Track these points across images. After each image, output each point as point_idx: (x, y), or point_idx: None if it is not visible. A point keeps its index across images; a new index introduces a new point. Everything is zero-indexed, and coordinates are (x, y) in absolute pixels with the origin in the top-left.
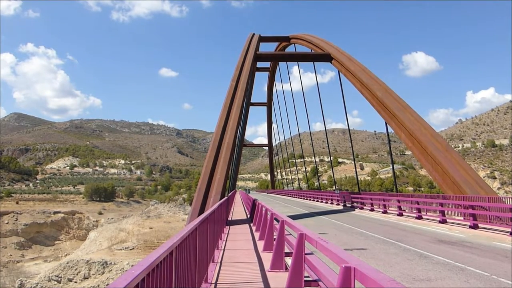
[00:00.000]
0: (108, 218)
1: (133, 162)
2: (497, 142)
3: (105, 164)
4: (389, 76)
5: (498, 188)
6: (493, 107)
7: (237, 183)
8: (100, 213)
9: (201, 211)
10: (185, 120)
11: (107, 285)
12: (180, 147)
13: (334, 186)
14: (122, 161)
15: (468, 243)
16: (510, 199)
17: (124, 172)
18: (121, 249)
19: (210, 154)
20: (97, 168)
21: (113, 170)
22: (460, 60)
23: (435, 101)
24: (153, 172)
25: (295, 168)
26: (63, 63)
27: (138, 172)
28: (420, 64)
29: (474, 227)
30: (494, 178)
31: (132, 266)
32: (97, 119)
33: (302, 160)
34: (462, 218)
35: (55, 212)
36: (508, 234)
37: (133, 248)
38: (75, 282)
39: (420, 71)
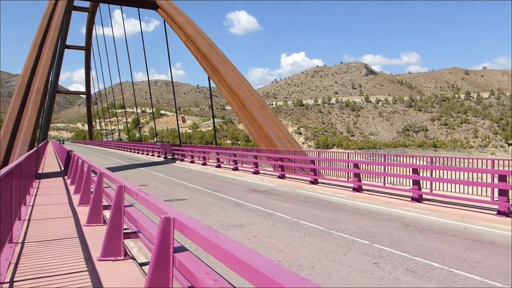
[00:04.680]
0: None
1: None
2: (304, 102)
3: None
4: (213, 31)
5: (303, 143)
6: (303, 70)
7: (49, 133)
8: None
9: (4, 163)
10: None
11: None
12: None
13: (155, 138)
14: None
15: (276, 191)
16: (312, 152)
17: None
18: None
19: (15, 99)
20: None
21: None
22: (278, 24)
23: (254, 60)
24: None
25: (115, 118)
26: None
27: None
28: (243, 23)
29: (282, 177)
30: (300, 133)
31: None
32: None
33: (123, 110)
34: (272, 169)
35: None
36: (308, 182)
37: None
38: None
39: (242, 30)
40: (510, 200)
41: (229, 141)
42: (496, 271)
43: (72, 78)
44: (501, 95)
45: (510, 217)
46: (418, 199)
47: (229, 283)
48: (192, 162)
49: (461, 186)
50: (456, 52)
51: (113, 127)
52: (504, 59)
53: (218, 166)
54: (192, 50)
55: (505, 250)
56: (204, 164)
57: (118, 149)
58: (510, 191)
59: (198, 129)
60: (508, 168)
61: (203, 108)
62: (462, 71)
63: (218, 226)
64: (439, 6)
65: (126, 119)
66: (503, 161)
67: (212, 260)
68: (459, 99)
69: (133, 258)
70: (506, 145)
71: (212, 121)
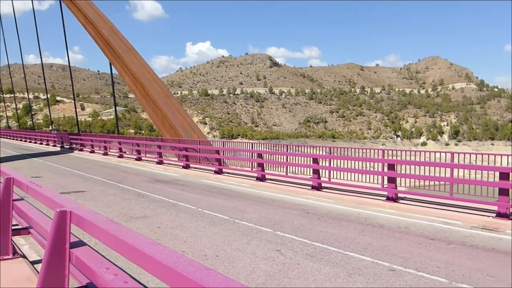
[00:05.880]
0: None
1: None
2: (209, 92)
3: None
4: (115, 15)
5: (208, 133)
6: (209, 60)
7: None
8: None
9: None
10: None
11: None
12: None
13: (51, 126)
14: None
15: (180, 181)
16: (217, 143)
17: None
18: None
19: None
20: None
21: None
22: (183, 11)
23: (159, 47)
24: None
25: (2, 104)
26: None
27: None
28: (147, 9)
29: (187, 167)
30: (205, 123)
31: None
32: None
33: (12, 95)
34: (177, 159)
35: None
36: (213, 172)
37: None
38: None
39: (146, 16)
40: (397, 186)
41: (132, 130)
42: (385, 252)
43: None
44: (390, 91)
45: (397, 202)
46: (318, 187)
47: (131, 276)
48: (92, 152)
49: (356, 174)
50: (352, 48)
51: (0, 114)
52: (394, 57)
53: (121, 156)
54: (92, 34)
55: (392, 232)
56: (106, 154)
57: (6, 138)
58: (397, 178)
59: (99, 118)
60: (396, 158)
61: (104, 95)
62: (358, 67)
63: (119, 218)
64: (337, 3)
65: (16, 104)
66: (392, 151)
67: (114, 254)
68: (355, 93)
69: (24, 256)
70: (395, 136)
71: (114, 109)
